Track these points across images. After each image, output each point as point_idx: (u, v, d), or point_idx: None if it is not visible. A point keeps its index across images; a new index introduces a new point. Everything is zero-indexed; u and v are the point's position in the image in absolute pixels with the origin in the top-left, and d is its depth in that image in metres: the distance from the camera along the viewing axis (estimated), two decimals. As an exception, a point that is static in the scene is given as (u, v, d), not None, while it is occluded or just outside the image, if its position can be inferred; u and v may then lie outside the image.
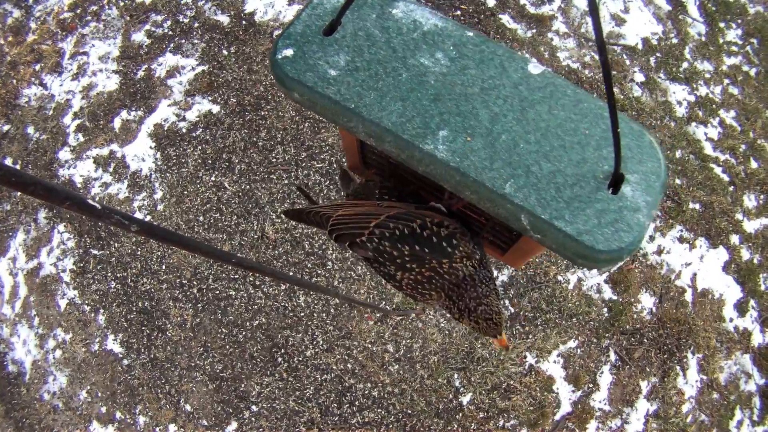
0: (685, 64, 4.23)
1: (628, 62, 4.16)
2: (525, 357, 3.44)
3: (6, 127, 4.16)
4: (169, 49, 4.20)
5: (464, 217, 1.23)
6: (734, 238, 3.74)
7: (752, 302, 3.64)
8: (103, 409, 3.53)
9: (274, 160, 3.81)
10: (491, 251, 1.28)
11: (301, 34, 0.90)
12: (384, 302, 3.52)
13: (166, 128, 3.96)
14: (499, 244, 1.24)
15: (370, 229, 1.05)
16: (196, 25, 4.26)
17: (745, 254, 3.72)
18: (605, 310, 3.55)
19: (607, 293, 3.58)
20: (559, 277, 3.58)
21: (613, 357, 3.47)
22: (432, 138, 0.83)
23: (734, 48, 4.38)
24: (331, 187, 3.73)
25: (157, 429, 3.45)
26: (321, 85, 0.86)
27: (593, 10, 0.60)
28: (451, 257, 1.03)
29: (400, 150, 0.85)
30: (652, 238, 3.69)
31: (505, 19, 4.21)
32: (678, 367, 3.47)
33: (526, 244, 1.11)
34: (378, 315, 3.51)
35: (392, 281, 1.12)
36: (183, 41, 4.21)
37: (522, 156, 0.81)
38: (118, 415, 3.51)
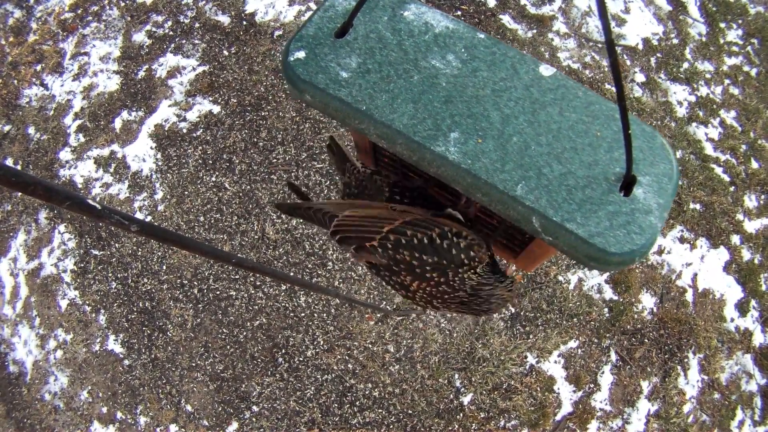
0: (685, 65, 4.23)
1: (628, 62, 4.16)
2: (526, 357, 3.44)
3: (7, 128, 4.15)
4: (169, 49, 4.19)
5: (478, 221, 1.22)
6: (735, 238, 3.75)
7: (753, 302, 3.65)
8: (104, 410, 3.53)
9: (275, 160, 3.81)
10: (503, 254, 1.27)
11: (313, 37, 0.90)
12: (384, 302, 3.52)
13: (166, 128, 3.95)
14: (512, 247, 1.24)
15: (383, 233, 1.02)
16: (197, 25, 4.25)
17: (746, 254, 3.73)
18: (606, 310, 3.55)
19: (608, 293, 3.58)
20: (560, 278, 3.58)
21: (614, 357, 3.47)
22: (443, 140, 0.83)
23: (735, 48, 4.38)
24: (332, 187, 3.73)
25: (158, 429, 3.45)
26: (333, 87, 0.86)
27: (602, 13, 0.60)
28: (466, 265, 1.02)
29: (412, 152, 0.85)
30: (652, 239, 3.69)
31: (506, 19, 4.21)
32: (679, 367, 3.47)
33: (539, 247, 1.11)
34: (378, 315, 3.51)
35: (403, 291, 1.09)
36: (184, 42, 4.20)
37: (533, 158, 0.81)
38: (119, 415, 3.51)
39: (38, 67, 4.30)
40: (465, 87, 0.86)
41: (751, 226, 3.80)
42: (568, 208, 0.78)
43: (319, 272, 3.58)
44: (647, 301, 3.58)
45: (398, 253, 1.02)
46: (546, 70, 0.87)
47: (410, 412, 3.36)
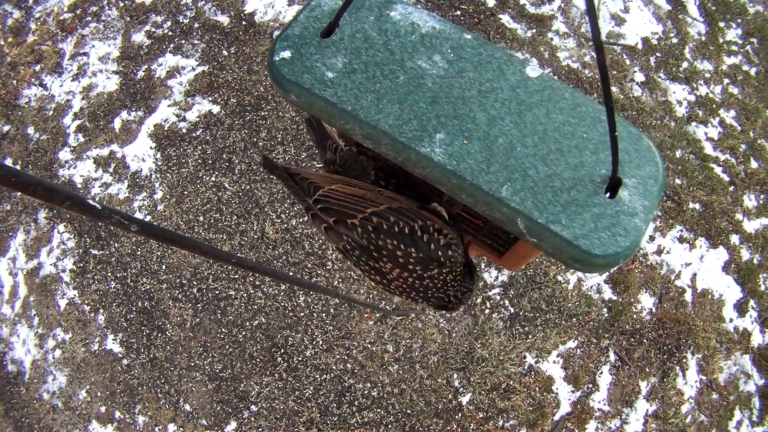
0: (685, 64, 4.22)
1: (628, 62, 4.16)
2: (524, 357, 3.44)
3: (6, 128, 4.16)
4: (169, 49, 4.20)
5: (462, 220, 1.22)
6: (734, 238, 3.74)
7: (752, 302, 3.64)
8: (103, 409, 3.53)
9: (275, 160, 3.81)
10: (488, 254, 1.27)
11: (298, 36, 0.90)
12: (384, 302, 3.53)
13: (166, 128, 3.95)
14: (496, 247, 1.23)
15: (365, 214, 1.02)
16: (196, 25, 4.25)
17: (745, 254, 3.72)
18: (605, 310, 3.55)
19: (607, 293, 3.58)
20: (559, 278, 3.58)
21: (612, 357, 3.47)
22: (429, 141, 0.83)
23: (734, 47, 4.37)
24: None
25: (157, 429, 3.45)
26: (318, 87, 0.86)
27: (591, 12, 0.60)
28: (444, 265, 1.02)
29: (397, 152, 0.85)
30: (652, 238, 3.69)
31: (505, 19, 4.21)
32: (677, 368, 3.46)
33: (523, 247, 1.10)
34: (377, 315, 3.51)
35: (378, 276, 1.09)
36: (183, 42, 4.21)
37: (519, 159, 0.81)
38: (117, 414, 3.51)
39: (37, 68, 4.30)
40: (451, 88, 0.86)
41: (751, 225, 3.80)
42: (553, 209, 0.78)
43: (319, 272, 3.59)
44: (646, 301, 3.57)
45: (379, 239, 1.01)
46: (533, 71, 0.87)
47: (409, 411, 3.36)
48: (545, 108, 0.84)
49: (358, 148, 1.21)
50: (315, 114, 0.90)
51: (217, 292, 3.59)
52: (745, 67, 4.31)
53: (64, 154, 4.00)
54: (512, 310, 3.52)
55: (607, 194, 0.79)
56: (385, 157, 0.88)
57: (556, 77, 0.90)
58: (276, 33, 4.16)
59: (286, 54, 0.88)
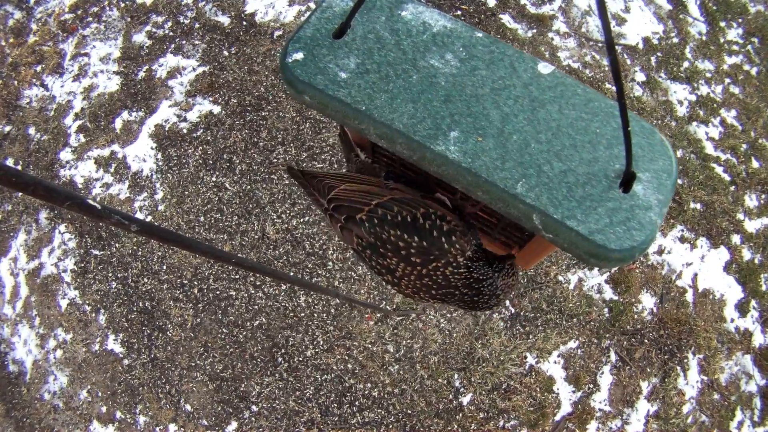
0: (686, 64, 4.23)
1: (629, 62, 4.17)
2: (525, 357, 3.44)
3: (7, 128, 4.15)
4: (169, 50, 4.19)
5: (475, 217, 1.22)
6: (735, 238, 3.75)
7: (753, 302, 3.64)
8: (104, 409, 3.52)
9: (275, 160, 3.81)
10: (503, 251, 1.27)
11: (311, 38, 0.90)
12: (384, 302, 3.52)
13: (167, 129, 3.95)
14: (510, 245, 1.24)
15: (371, 206, 1.04)
16: (197, 26, 4.25)
17: (747, 254, 3.72)
18: (606, 310, 3.55)
19: (608, 293, 3.58)
20: (560, 278, 3.58)
21: (613, 357, 3.47)
22: (443, 139, 0.83)
23: (735, 47, 4.38)
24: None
25: (158, 429, 3.45)
26: (332, 88, 0.86)
27: (601, 12, 0.60)
28: (447, 253, 1.02)
29: (412, 151, 0.85)
30: (652, 239, 3.69)
31: (506, 19, 4.21)
32: (679, 368, 3.47)
33: (538, 244, 1.11)
34: (378, 315, 3.51)
35: (389, 275, 1.09)
36: (184, 42, 4.21)
37: (533, 156, 0.82)
38: (118, 414, 3.51)
39: (38, 68, 4.30)
40: (464, 86, 0.86)
41: (752, 225, 3.80)
42: (569, 205, 0.79)
43: (319, 272, 3.58)
44: (647, 301, 3.58)
45: (384, 231, 1.03)
46: (545, 68, 0.87)
47: (409, 412, 3.36)
48: (558, 104, 0.85)
49: (374, 158, 1.24)
50: (329, 115, 0.90)
51: (218, 292, 3.59)
52: (746, 67, 4.32)
53: (65, 155, 3.99)
54: (513, 311, 3.52)
55: (622, 189, 0.80)
56: (400, 156, 0.88)
57: (567, 74, 0.89)
58: (277, 33, 4.17)
59: (299, 55, 0.89)
